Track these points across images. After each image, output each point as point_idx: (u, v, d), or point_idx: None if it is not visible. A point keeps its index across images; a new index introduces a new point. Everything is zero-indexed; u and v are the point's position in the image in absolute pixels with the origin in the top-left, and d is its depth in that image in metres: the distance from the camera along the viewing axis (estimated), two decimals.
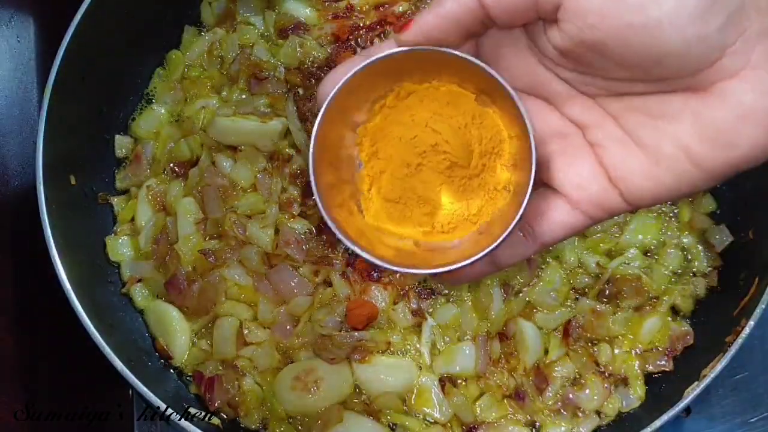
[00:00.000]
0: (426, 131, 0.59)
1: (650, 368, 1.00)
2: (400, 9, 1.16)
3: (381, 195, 0.61)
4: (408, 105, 0.60)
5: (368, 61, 0.56)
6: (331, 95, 0.56)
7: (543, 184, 0.59)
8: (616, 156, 0.56)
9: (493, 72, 0.54)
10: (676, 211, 1.07)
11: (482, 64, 0.54)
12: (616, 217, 1.06)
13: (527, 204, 0.54)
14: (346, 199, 0.61)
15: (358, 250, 0.56)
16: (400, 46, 0.56)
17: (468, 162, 0.59)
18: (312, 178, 0.57)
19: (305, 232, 1.06)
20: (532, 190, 0.54)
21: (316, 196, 0.57)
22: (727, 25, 0.48)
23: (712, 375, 0.88)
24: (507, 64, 0.59)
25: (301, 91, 1.13)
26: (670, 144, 0.53)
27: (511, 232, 0.54)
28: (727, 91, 0.50)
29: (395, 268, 0.57)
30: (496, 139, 0.58)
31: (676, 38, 0.49)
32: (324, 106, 0.57)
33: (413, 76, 0.59)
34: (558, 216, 0.58)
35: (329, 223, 0.57)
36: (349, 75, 0.56)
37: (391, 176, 0.60)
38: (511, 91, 0.54)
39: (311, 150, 0.57)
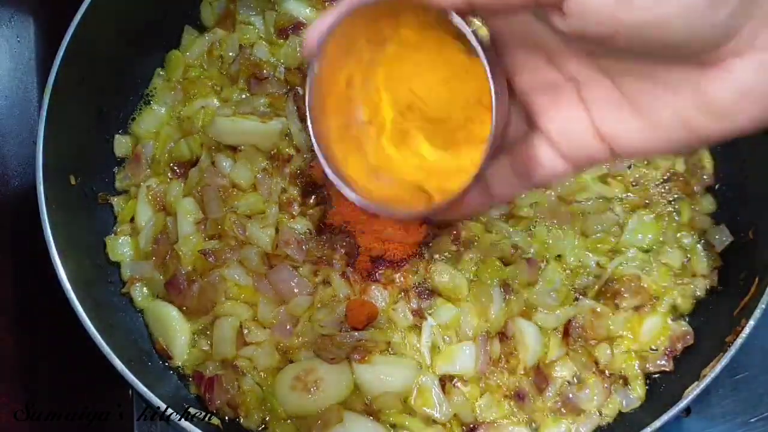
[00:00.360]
0: (403, 89, 0.60)
1: (650, 368, 1.00)
2: None
3: (376, 146, 0.62)
4: (396, 55, 0.60)
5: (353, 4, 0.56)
6: (322, 39, 0.57)
7: (535, 129, 0.61)
8: (609, 115, 0.57)
9: (461, 25, 0.54)
10: (676, 209, 1.07)
11: (454, 16, 0.54)
12: (616, 217, 1.06)
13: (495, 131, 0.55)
14: (346, 144, 0.61)
15: (354, 198, 0.58)
16: None
17: (449, 115, 0.60)
18: (309, 124, 0.58)
19: (305, 232, 1.06)
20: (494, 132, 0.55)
21: (314, 143, 0.58)
22: (736, 12, 0.49)
23: (712, 375, 0.88)
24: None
25: (301, 91, 1.13)
26: (668, 113, 0.54)
27: (490, 150, 0.55)
28: (730, 68, 0.51)
29: (395, 212, 0.58)
30: (483, 90, 0.58)
31: (684, 29, 0.49)
32: (318, 49, 0.57)
33: (407, 25, 0.59)
34: (544, 160, 0.61)
35: (327, 171, 0.58)
36: (335, 17, 0.56)
37: (378, 130, 0.61)
38: (475, 44, 0.54)
39: (307, 95, 0.58)
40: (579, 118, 0.58)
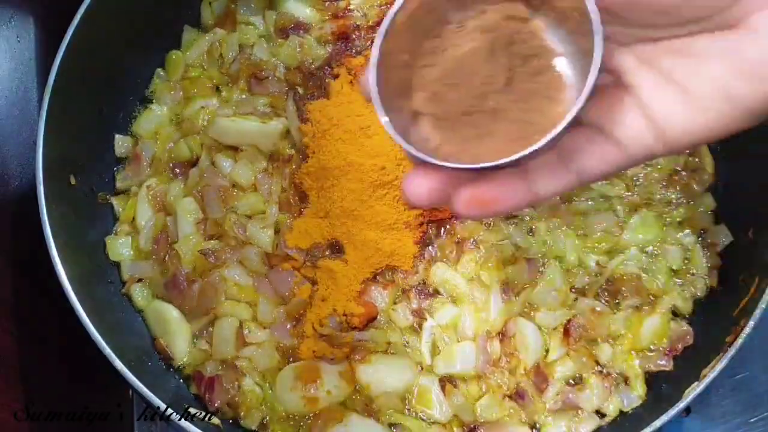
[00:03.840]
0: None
1: (650, 368, 1.00)
2: None
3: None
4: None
5: None
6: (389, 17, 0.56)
7: (582, 125, 0.59)
8: (654, 97, 0.55)
9: None
10: (676, 209, 1.07)
11: None
12: (616, 217, 1.06)
13: (578, 111, 0.53)
14: (417, 129, 0.61)
15: (425, 156, 0.56)
16: None
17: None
18: (374, 85, 0.57)
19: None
20: (585, 102, 0.53)
21: (392, 134, 0.57)
22: None
23: (712, 375, 0.88)
24: None
25: (301, 91, 1.14)
26: (706, 83, 0.53)
27: (558, 135, 0.53)
28: (756, 25, 0.50)
29: (466, 166, 0.56)
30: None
31: None
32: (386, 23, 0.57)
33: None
34: (600, 153, 0.58)
35: (413, 152, 0.56)
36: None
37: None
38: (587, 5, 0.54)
39: (373, 62, 0.57)
40: (628, 104, 0.57)
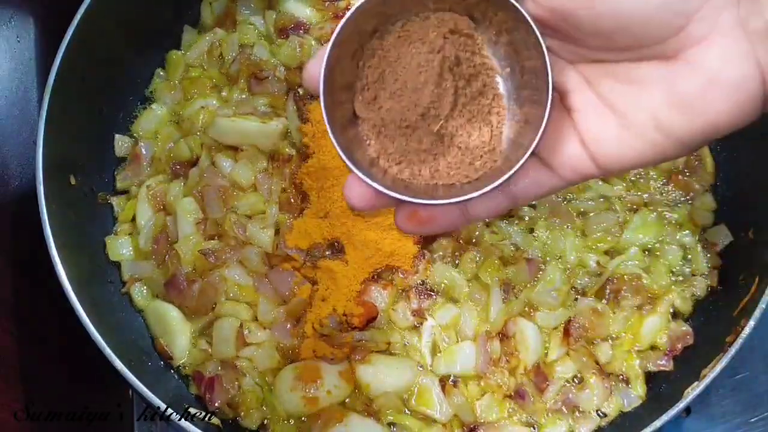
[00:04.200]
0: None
1: (650, 368, 1.00)
2: None
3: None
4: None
5: None
6: (338, 29, 0.56)
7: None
8: (591, 121, 0.56)
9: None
10: (676, 209, 1.07)
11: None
12: (616, 216, 1.06)
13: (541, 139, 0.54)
14: (357, 132, 0.61)
15: (371, 182, 0.56)
16: None
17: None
18: (324, 113, 0.57)
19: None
20: (546, 124, 0.54)
21: (329, 130, 0.57)
22: None
23: (712, 375, 0.88)
24: None
25: (301, 91, 1.13)
26: (640, 111, 0.54)
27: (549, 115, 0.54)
28: (695, 58, 0.51)
29: (410, 199, 0.56)
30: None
31: (640, 4, 0.49)
32: (332, 39, 0.56)
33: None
34: (535, 178, 0.59)
35: (341, 154, 0.56)
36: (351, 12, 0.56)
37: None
38: (533, 24, 0.54)
39: (322, 83, 0.56)
40: (565, 128, 0.57)
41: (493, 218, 1.04)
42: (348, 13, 0.56)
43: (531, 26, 0.54)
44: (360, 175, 0.56)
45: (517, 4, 0.54)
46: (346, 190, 0.59)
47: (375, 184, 0.56)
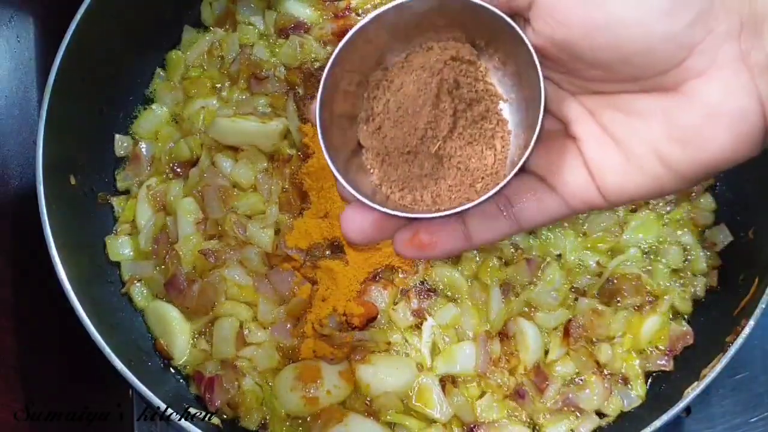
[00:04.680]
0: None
1: (650, 368, 1.00)
2: None
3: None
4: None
5: (375, 14, 0.56)
6: (336, 52, 0.56)
7: (525, 171, 0.59)
8: (594, 151, 0.56)
9: (512, 23, 0.54)
10: (676, 209, 1.07)
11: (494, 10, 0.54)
12: (616, 216, 1.06)
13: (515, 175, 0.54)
14: (360, 161, 0.61)
15: (375, 205, 0.56)
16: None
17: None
18: (319, 132, 0.57)
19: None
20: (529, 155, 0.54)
21: (326, 157, 0.57)
22: (695, 24, 0.49)
23: (712, 375, 0.88)
24: None
25: (301, 91, 1.13)
26: (640, 143, 0.53)
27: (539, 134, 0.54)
28: (695, 90, 0.50)
29: (408, 215, 0.57)
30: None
31: (640, 36, 0.49)
32: (330, 62, 0.57)
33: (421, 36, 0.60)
34: (540, 203, 0.58)
35: (337, 176, 0.57)
36: (352, 33, 0.56)
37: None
38: (530, 47, 0.54)
39: (318, 104, 0.57)
40: (571, 157, 0.57)
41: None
42: (347, 36, 0.57)
43: (530, 52, 0.53)
44: (364, 200, 0.56)
45: (517, 28, 0.54)
46: (344, 224, 0.58)
47: (378, 207, 0.56)
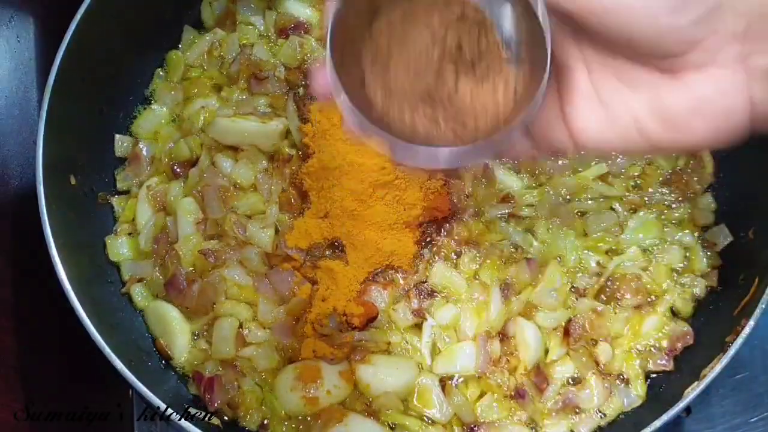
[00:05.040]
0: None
1: (650, 368, 1.00)
2: None
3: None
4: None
5: None
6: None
7: None
8: (577, 101, 0.58)
9: None
10: (676, 209, 1.07)
11: None
12: (616, 217, 1.06)
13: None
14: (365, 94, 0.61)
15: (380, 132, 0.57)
16: None
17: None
18: (329, 57, 0.58)
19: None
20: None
21: (330, 74, 0.57)
22: (702, 21, 0.50)
23: (712, 375, 0.88)
24: None
25: (301, 91, 1.14)
26: (625, 110, 0.55)
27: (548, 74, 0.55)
28: (689, 80, 0.52)
29: (421, 145, 0.58)
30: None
31: (648, 25, 0.51)
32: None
33: None
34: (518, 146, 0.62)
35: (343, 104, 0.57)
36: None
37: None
38: None
39: (329, 33, 0.58)
40: (551, 101, 0.59)
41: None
42: None
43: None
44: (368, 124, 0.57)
45: None
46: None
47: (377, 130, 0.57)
